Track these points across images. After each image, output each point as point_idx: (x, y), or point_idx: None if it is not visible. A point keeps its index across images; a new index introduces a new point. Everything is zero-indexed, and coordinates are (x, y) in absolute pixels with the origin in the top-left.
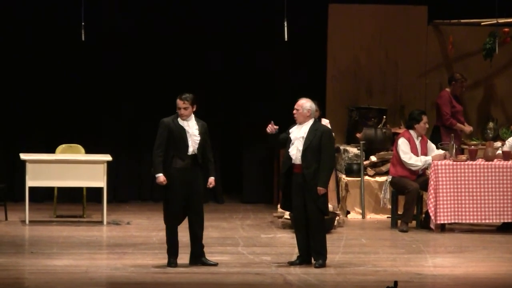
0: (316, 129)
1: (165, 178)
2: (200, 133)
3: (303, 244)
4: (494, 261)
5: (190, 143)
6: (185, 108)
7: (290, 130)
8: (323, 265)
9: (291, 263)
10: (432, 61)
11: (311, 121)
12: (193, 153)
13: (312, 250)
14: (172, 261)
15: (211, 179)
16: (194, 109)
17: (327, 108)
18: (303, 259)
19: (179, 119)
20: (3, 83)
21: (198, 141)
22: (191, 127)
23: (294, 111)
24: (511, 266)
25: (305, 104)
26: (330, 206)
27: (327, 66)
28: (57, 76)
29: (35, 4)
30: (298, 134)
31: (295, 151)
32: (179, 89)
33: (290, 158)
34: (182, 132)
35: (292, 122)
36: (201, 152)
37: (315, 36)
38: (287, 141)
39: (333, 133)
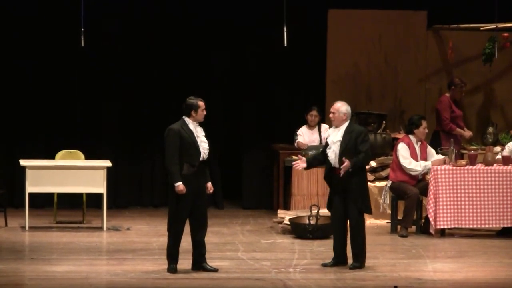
0: (351, 131)
1: (184, 187)
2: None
3: (338, 245)
4: (493, 266)
5: (200, 148)
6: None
7: (327, 134)
8: (358, 267)
9: (324, 265)
10: (432, 66)
11: (346, 124)
12: (203, 159)
13: (352, 252)
14: (173, 267)
15: (209, 185)
16: None
17: (327, 113)
18: (337, 261)
19: (189, 125)
20: (2, 89)
21: (207, 147)
22: (199, 133)
23: (331, 115)
24: (511, 271)
25: (341, 107)
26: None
27: (326, 71)
28: (56, 82)
29: (34, 10)
30: (335, 138)
31: (333, 155)
32: (178, 95)
33: (329, 162)
34: (193, 138)
35: (294, 127)
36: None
37: (314, 41)
38: (325, 147)
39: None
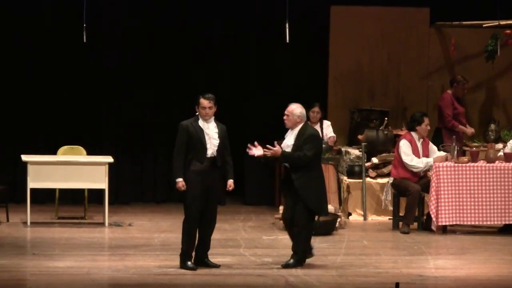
0: (302, 133)
1: (184, 184)
2: (220, 136)
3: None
4: (495, 262)
5: (208, 145)
6: (210, 108)
7: (285, 136)
8: (292, 265)
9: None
10: (434, 63)
11: (300, 126)
12: (212, 155)
13: (292, 249)
14: (190, 264)
15: (230, 182)
16: (215, 110)
17: (329, 110)
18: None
19: (199, 121)
20: (4, 84)
21: (217, 144)
22: (211, 130)
23: (285, 117)
24: None
25: (296, 110)
26: (331, 208)
27: (329, 68)
28: (58, 77)
29: (37, 6)
30: (289, 141)
31: None
32: (181, 91)
33: (286, 166)
34: (201, 134)
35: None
36: (220, 155)
37: (317, 38)
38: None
39: (333, 135)
